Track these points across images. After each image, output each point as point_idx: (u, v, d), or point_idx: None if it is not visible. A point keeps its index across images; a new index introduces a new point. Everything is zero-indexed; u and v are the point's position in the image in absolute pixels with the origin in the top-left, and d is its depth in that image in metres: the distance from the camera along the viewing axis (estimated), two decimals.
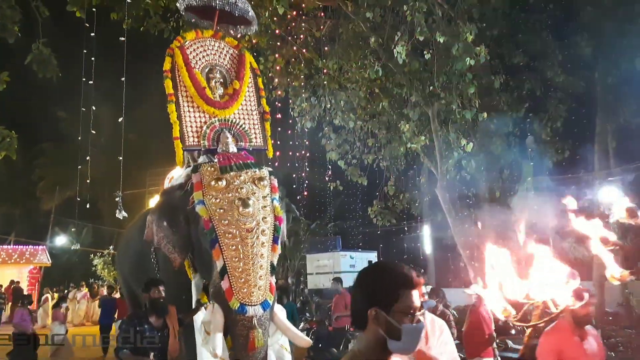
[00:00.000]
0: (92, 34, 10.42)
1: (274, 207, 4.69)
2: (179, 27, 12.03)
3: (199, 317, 4.80)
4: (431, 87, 10.81)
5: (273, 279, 4.46)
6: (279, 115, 12.53)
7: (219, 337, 4.14)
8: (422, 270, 19.62)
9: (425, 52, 10.26)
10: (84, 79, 10.69)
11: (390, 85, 11.74)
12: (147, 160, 24.13)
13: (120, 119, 10.77)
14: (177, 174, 5.51)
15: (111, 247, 24.56)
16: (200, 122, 5.22)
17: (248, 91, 5.59)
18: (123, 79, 10.25)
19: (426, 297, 7.56)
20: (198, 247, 4.70)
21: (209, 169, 4.73)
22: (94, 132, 12.44)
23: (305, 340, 4.65)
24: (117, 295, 13.27)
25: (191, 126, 5.18)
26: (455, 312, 9.30)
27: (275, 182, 4.90)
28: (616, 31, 11.25)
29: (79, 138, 14.75)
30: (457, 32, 9.54)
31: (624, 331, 11.19)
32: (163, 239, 4.76)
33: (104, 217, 26.59)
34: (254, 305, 4.20)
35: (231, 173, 4.68)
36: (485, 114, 10.65)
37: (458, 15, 10.21)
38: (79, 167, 15.67)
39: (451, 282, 17.31)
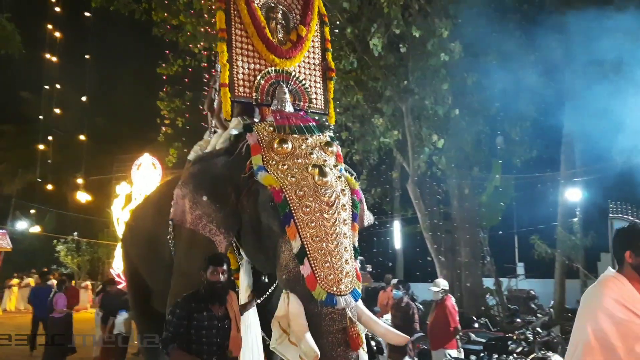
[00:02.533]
0: (57, 9, 10.03)
1: (346, 179, 3.84)
2: (150, 9, 11.74)
3: (250, 312, 4.00)
4: (405, 82, 10.83)
5: (358, 264, 3.70)
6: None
7: (309, 336, 3.26)
8: (390, 264, 19.92)
9: (401, 46, 10.26)
10: (48, 56, 10.30)
11: (365, 79, 11.73)
12: (115, 146, 23.60)
13: (83, 98, 10.41)
14: (212, 140, 4.66)
15: (75, 233, 23.99)
16: (255, 69, 4.34)
17: (313, 41, 4.67)
18: (87, 56, 9.89)
19: (393, 289, 7.61)
20: (253, 225, 3.81)
21: (266, 128, 3.90)
22: (57, 110, 12.01)
23: (401, 337, 3.77)
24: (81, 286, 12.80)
25: (243, 73, 4.30)
26: (421, 306, 9.38)
27: (340, 150, 4.10)
28: (585, 34, 11.47)
29: (40, 117, 14.26)
30: (433, 28, 9.57)
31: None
32: (202, 218, 3.81)
33: (68, 202, 25.93)
34: (344, 295, 3.38)
35: (294, 135, 3.88)
36: (457, 111, 10.74)
37: (434, 10, 10.25)
38: (41, 148, 15.16)
39: (419, 276, 17.50)
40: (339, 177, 3.76)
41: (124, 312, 7.75)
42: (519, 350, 6.02)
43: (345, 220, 3.61)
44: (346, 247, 3.53)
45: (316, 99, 4.58)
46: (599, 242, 11.97)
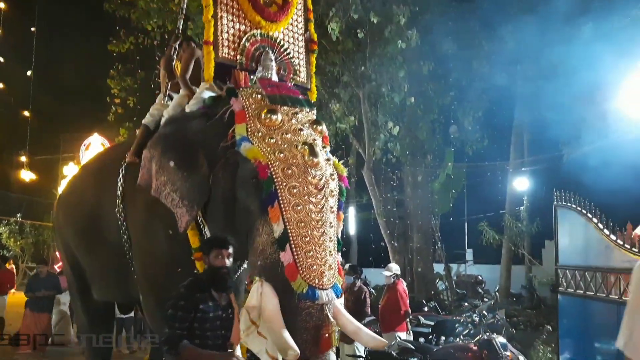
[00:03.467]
0: None
1: (334, 163, 3.53)
2: None
3: None
4: (363, 68, 10.84)
5: (339, 257, 3.41)
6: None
7: (287, 334, 2.94)
8: (344, 249, 20.07)
9: (358, 31, 10.24)
10: None
11: (323, 63, 11.65)
12: (62, 124, 22.64)
13: (28, 73, 9.89)
14: (174, 103, 4.22)
15: (19, 214, 22.98)
16: (240, 30, 3.96)
17: (297, 9, 4.29)
18: (33, 29, 9.39)
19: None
20: (225, 201, 3.41)
21: (253, 95, 3.53)
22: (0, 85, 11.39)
23: (381, 342, 3.44)
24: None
25: (228, 32, 3.90)
26: (373, 291, 9.51)
27: (327, 131, 3.75)
28: (537, 27, 11.77)
29: None
30: (391, 14, 9.58)
31: (526, 311, 11.98)
32: (166, 186, 3.45)
33: (11, 182, 24.78)
34: (326, 289, 3.08)
35: (284, 107, 3.50)
36: (413, 99, 10.84)
37: None
38: None
39: (373, 261, 17.75)
40: (328, 160, 3.45)
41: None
42: (465, 332, 6.20)
43: (332, 207, 3.32)
44: (331, 237, 3.25)
45: (299, 71, 4.24)
46: (544, 229, 12.44)
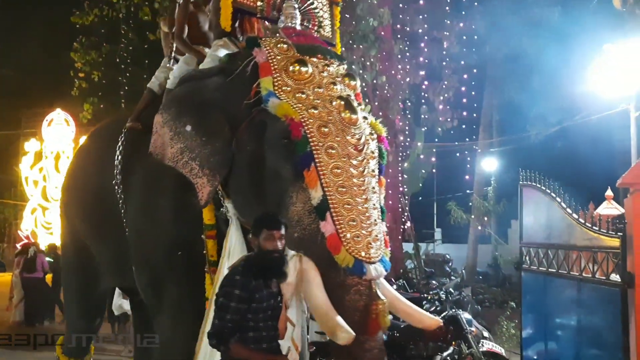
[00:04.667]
0: None
1: (371, 122, 3.08)
2: None
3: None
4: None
5: (384, 227, 2.99)
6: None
7: (335, 313, 2.59)
8: None
9: None
10: None
11: None
12: (24, 100, 21.88)
13: None
14: (180, 65, 3.72)
15: None
16: None
17: None
18: None
19: None
20: (251, 167, 2.99)
21: (278, 45, 3.09)
22: None
23: (434, 320, 3.07)
24: None
25: None
26: None
27: (359, 87, 3.32)
28: (507, 9, 11.85)
29: None
30: None
31: (491, 289, 12.30)
32: (183, 154, 3.03)
33: None
34: (374, 263, 2.69)
35: (313, 59, 3.07)
36: (384, 78, 10.82)
37: None
38: None
39: None
40: (365, 117, 3.03)
41: None
42: (432, 308, 6.29)
43: (373, 171, 2.93)
44: (375, 205, 2.86)
45: (324, 24, 3.77)
46: (510, 209, 12.71)
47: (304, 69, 2.97)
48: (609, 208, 8.02)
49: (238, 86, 3.05)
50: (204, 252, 3.21)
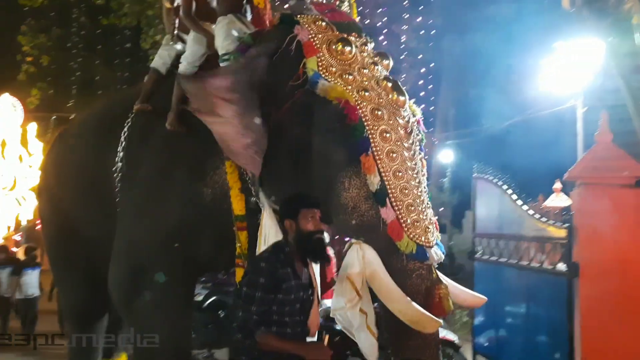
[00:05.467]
0: None
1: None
2: None
3: None
4: None
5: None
6: (128, 45, 11.48)
7: (412, 302, 2.49)
8: None
9: None
10: None
11: None
12: None
13: None
14: (190, 46, 3.40)
15: None
16: None
17: None
18: None
19: None
20: (293, 152, 2.83)
21: (317, 23, 2.89)
22: None
23: (478, 298, 3.04)
24: None
25: None
26: None
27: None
28: (464, 6, 12.08)
29: None
30: None
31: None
32: (249, 148, 2.85)
33: None
34: (432, 247, 2.66)
35: (351, 38, 2.89)
36: None
37: None
38: None
39: None
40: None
41: (31, 269, 7.04)
42: None
43: (421, 153, 2.85)
44: (425, 188, 2.80)
45: None
46: (465, 200, 13.05)
47: (347, 49, 2.78)
48: (557, 200, 8.37)
49: (280, 66, 2.87)
50: (238, 244, 3.02)
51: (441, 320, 2.47)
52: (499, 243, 5.12)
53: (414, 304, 2.46)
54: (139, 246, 3.20)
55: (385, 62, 2.96)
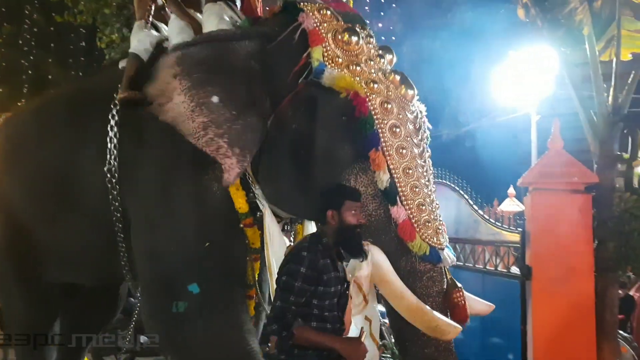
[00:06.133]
0: None
1: None
2: None
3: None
4: None
5: None
6: (83, 43, 11.14)
7: (428, 307, 2.37)
8: None
9: None
10: None
11: None
12: None
13: None
14: (173, 29, 3.15)
15: None
16: None
17: None
18: None
19: None
20: (295, 147, 2.62)
21: (322, 11, 2.71)
22: None
23: (487, 306, 2.89)
24: None
25: None
26: None
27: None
28: (423, 13, 12.31)
29: None
30: None
31: None
32: (207, 129, 2.57)
33: None
34: (444, 249, 2.53)
35: (356, 27, 2.72)
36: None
37: None
38: None
39: None
40: None
41: None
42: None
43: (428, 150, 2.71)
44: (434, 187, 2.67)
45: None
46: None
47: (354, 39, 2.63)
48: (511, 205, 8.60)
49: (281, 54, 2.66)
50: (246, 240, 2.81)
51: (460, 327, 2.32)
52: (456, 246, 5.21)
53: (431, 310, 2.32)
54: (169, 261, 2.80)
55: (389, 56, 2.82)
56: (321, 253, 2.27)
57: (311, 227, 3.07)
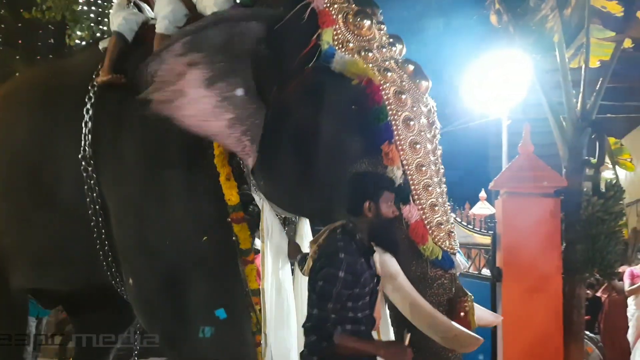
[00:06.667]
0: None
1: None
2: None
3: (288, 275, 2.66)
4: None
5: None
6: (51, 40, 10.89)
7: (444, 317, 2.14)
8: None
9: None
10: None
11: None
12: None
13: None
14: (182, 10, 2.84)
15: None
16: None
17: None
18: None
19: None
20: (299, 138, 2.38)
21: None
22: None
23: (495, 318, 2.81)
24: None
25: None
26: None
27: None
28: (396, 18, 12.41)
29: None
30: None
31: None
32: (233, 127, 2.34)
33: None
34: (455, 254, 2.34)
35: (367, 10, 2.52)
36: None
37: None
38: None
39: None
40: None
41: None
42: None
43: (439, 147, 2.52)
44: (446, 187, 2.45)
45: None
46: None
47: (366, 23, 2.41)
48: (482, 208, 8.73)
49: (288, 37, 2.41)
50: (233, 237, 2.58)
51: (482, 338, 2.11)
52: None
53: (448, 320, 2.12)
54: (163, 255, 2.64)
55: (399, 46, 2.61)
56: (359, 250, 2.07)
57: (306, 227, 2.89)
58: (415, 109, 2.36)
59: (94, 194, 2.76)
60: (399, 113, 2.30)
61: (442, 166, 2.49)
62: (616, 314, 5.94)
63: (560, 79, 4.34)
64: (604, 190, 4.00)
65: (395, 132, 2.28)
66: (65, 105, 2.91)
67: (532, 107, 5.10)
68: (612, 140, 4.49)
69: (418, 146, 2.31)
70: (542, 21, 4.42)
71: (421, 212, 2.25)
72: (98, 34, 10.25)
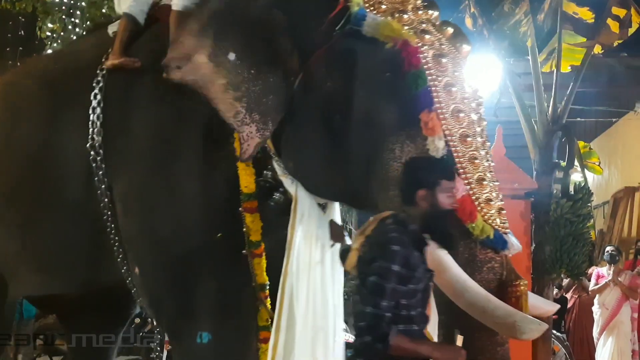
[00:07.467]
0: None
1: None
2: None
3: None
4: None
5: None
6: (22, 32, 10.62)
7: (508, 305, 1.91)
8: None
9: None
10: None
11: None
12: None
13: None
14: None
15: None
16: None
17: None
18: None
19: None
20: (328, 112, 2.16)
21: None
22: None
23: (551, 306, 2.53)
24: None
25: None
26: None
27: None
28: None
29: None
30: None
31: (349, 283, 12.89)
32: (226, 92, 2.15)
33: None
34: (507, 233, 2.09)
35: None
36: None
37: None
38: None
39: None
40: None
41: None
42: None
43: (484, 119, 2.23)
44: (493, 162, 2.19)
45: None
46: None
47: None
48: None
49: (310, 2, 2.23)
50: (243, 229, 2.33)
51: (546, 325, 1.91)
52: None
53: (508, 306, 1.90)
54: (169, 244, 2.43)
55: (435, 12, 2.30)
56: (411, 244, 1.85)
57: (336, 216, 2.62)
58: (457, 74, 2.12)
59: (104, 186, 2.52)
60: (439, 78, 2.06)
61: (489, 140, 2.24)
62: (584, 314, 6.10)
63: (532, 83, 4.42)
64: (572, 192, 4.08)
65: (436, 99, 2.03)
66: (70, 91, 2.69)
67: (504, 109, 5.17)
68: (581, 143, 4.60)
69: (462, 115, 2.05)
70: (516, 25, 4.50)
71: (468, 187, 2.00)
72: (70, 27, 10.07)
